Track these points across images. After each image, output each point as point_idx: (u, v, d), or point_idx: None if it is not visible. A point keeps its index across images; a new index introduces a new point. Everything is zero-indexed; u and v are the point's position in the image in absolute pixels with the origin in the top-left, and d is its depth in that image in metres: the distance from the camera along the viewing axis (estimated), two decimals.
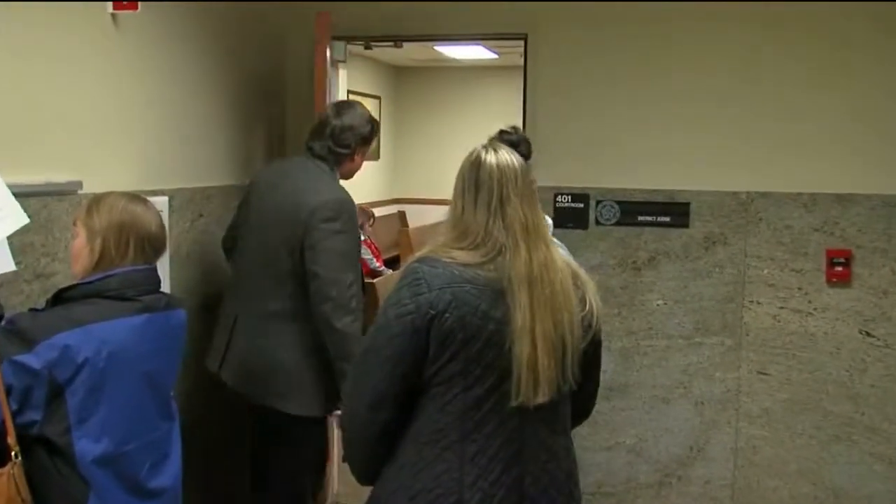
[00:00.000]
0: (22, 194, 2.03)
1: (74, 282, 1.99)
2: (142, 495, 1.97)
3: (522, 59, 3.79)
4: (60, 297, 1.94)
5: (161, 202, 2.69)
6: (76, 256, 2.01)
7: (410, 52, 8.62)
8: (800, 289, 3.52)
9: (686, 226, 3.61)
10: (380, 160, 9.55)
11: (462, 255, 1.71)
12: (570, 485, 1.82)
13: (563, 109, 3.70)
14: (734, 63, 3.53)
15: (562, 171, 3.67)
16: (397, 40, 4.41)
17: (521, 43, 3.78)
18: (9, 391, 1.75)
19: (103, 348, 1.85)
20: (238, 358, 2.88)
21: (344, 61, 3.88)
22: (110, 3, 2.59)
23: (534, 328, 1.66)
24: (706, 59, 3.56)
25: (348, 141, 2.91)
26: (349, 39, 3.96)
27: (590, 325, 1.78)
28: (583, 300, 1.76)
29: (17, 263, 2.03)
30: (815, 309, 3.50)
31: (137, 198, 2.08)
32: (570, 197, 3.70)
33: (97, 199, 2.03)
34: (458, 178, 1.78)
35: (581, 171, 3.70)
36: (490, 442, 1.69)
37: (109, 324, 1.89)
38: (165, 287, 2.31)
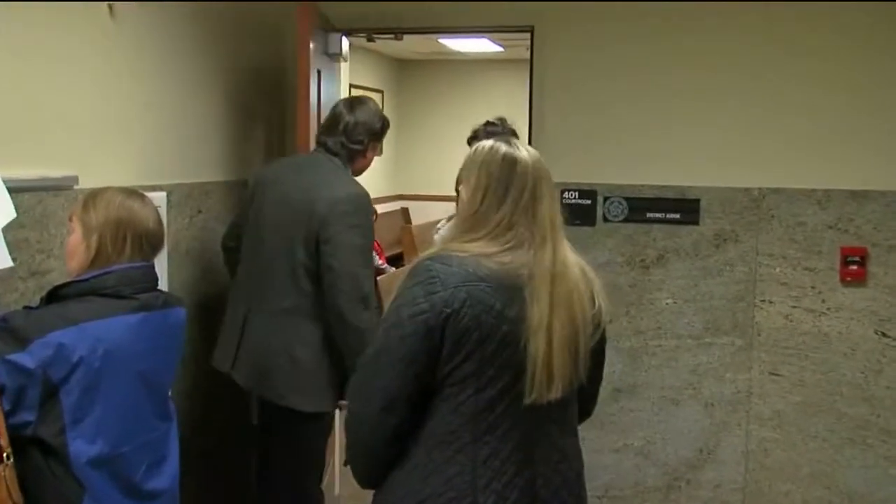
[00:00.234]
0: (16, 189, 2.03)
1: (70, 279, 1.97)
2: (138, 497, 1.96)
3: (529, 53, 3.75)
4: (55, 295, 1.93)
5: (159, 198, 2.68)
6: (72, 253, 2.00)
7: (414, 45, 8.55)
8: (813, 287, 3.46)
9: (696, 223, 3.56)
10: (382, 155, 9.49)
11: (475, 247, 1.70)
12: (579, 486, 1.82)
13: (570, 104, 3.66)
14: (746, 58, 3.48)
15: (569, 166, 3.62)
16: (402, 32, 4.37)
17: (528, 35, 3.74)
18: (2, 391, 1.74)
19: (98, 347, 1.84)
20: (252, 357, 2.86)
21: (340, 53, 3.82)
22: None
23: (551, 324, 1.65)
24: (716, 53, 3.51)
25: (361, 137, 2.94)
26: (350, 32, 3.91)
27: (598, 324, 1.78)
28: (591, 298, 1.76)
29: (11, 260, 2.01)
30: (828, 308, 3.45)
31: (135, 193, 2.07)
32: (577, 193, 3.66)
33: (93, 195, 2.02)
34: (481, 174, 1.75)
35: (589, 166, 3.65)
36: (503, 444, 1.68)
37: (105, 322, 1.87)
38: (164, 285, 2.31)
